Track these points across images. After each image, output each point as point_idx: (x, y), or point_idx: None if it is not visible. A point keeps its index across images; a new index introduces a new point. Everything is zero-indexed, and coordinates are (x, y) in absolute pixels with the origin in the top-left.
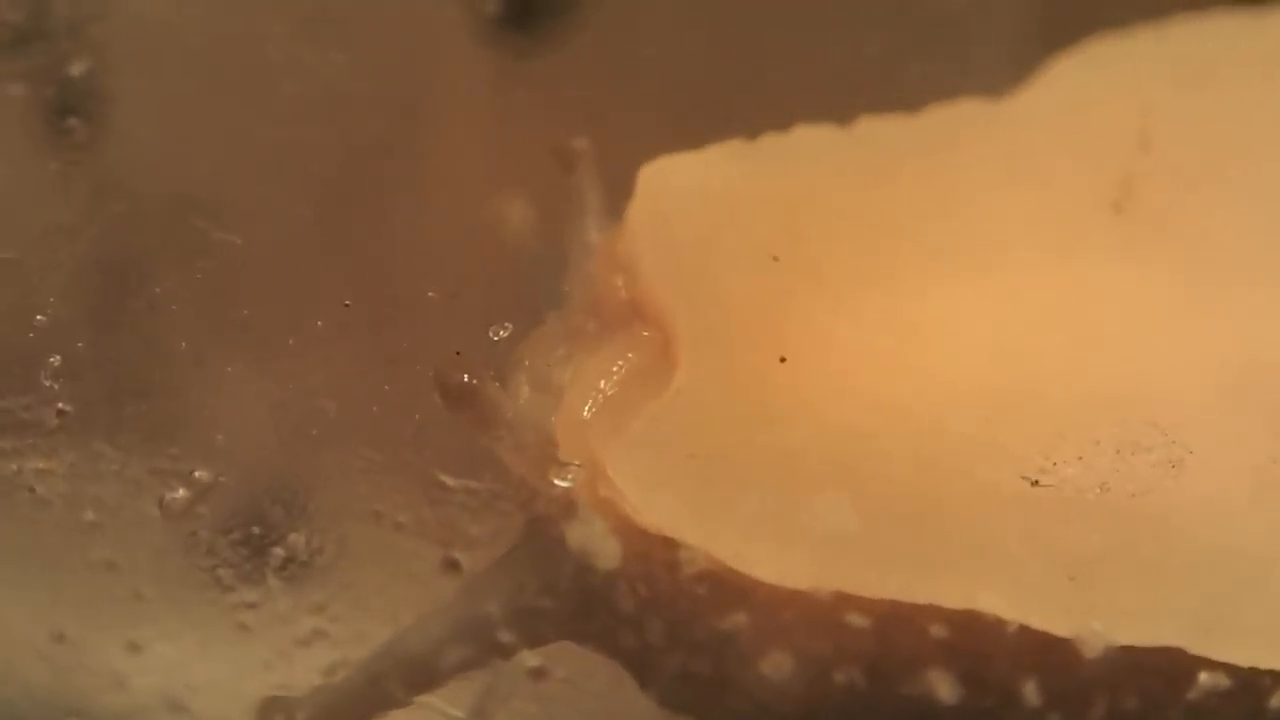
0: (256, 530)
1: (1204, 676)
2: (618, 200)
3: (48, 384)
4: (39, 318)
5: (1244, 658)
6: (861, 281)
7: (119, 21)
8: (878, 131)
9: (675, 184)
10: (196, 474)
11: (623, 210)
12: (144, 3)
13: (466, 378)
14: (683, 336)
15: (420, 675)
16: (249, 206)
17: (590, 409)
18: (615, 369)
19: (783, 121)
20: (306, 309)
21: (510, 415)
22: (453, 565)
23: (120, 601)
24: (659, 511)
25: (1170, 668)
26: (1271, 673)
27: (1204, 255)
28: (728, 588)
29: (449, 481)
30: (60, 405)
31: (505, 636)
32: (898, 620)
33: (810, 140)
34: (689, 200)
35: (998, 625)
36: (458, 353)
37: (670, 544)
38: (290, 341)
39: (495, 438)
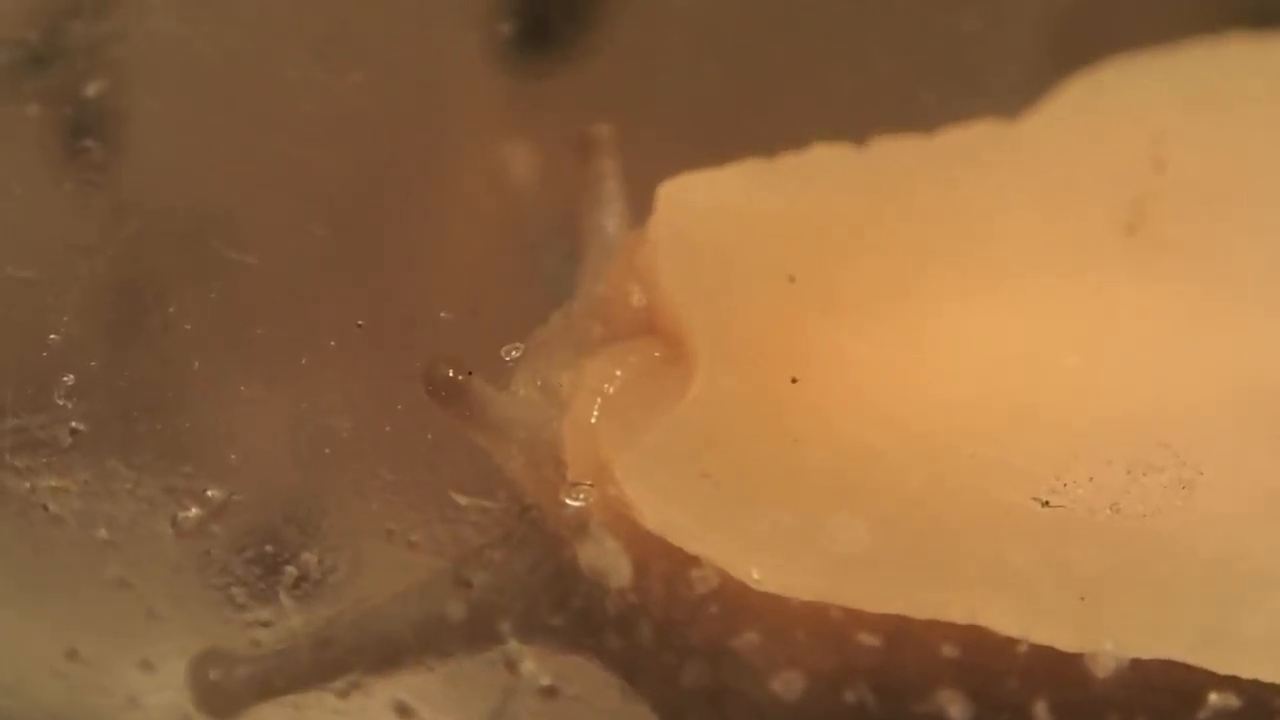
0: (270, 548)
1: (1214, 696)
2: (636, 212)
3: (62, 402)
4: (53, 336)
5: (1249, 671)
6: (876, 302)
7: (135, 42)
8: (892, 153)
9: (694, 202)
10: (210, 492)
11: (642, 221)
12: (160, 23)
13: (453, 373)
14: (698, 353)
15: (401, 668)
16: (264, 226)
17: (596, 414)
18: (617, 372)
19: (798, 143)
20: (320, 329)
21: (498, 413)
22: (465, 583)
23: (134, 619)
24: (671, 529)
25: (1181, 686)
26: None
27: (1216, 277)
28: (740, 606)
29: (461, 500)
30: (74, 424)
31: (514, 650)
32: (909, 639)
33: (826, 161)
34: (708, 218)
35: (1009, 644)
36: (470, 372)
37: (682, 563)
38: (304, 361)
39: (506, 455)
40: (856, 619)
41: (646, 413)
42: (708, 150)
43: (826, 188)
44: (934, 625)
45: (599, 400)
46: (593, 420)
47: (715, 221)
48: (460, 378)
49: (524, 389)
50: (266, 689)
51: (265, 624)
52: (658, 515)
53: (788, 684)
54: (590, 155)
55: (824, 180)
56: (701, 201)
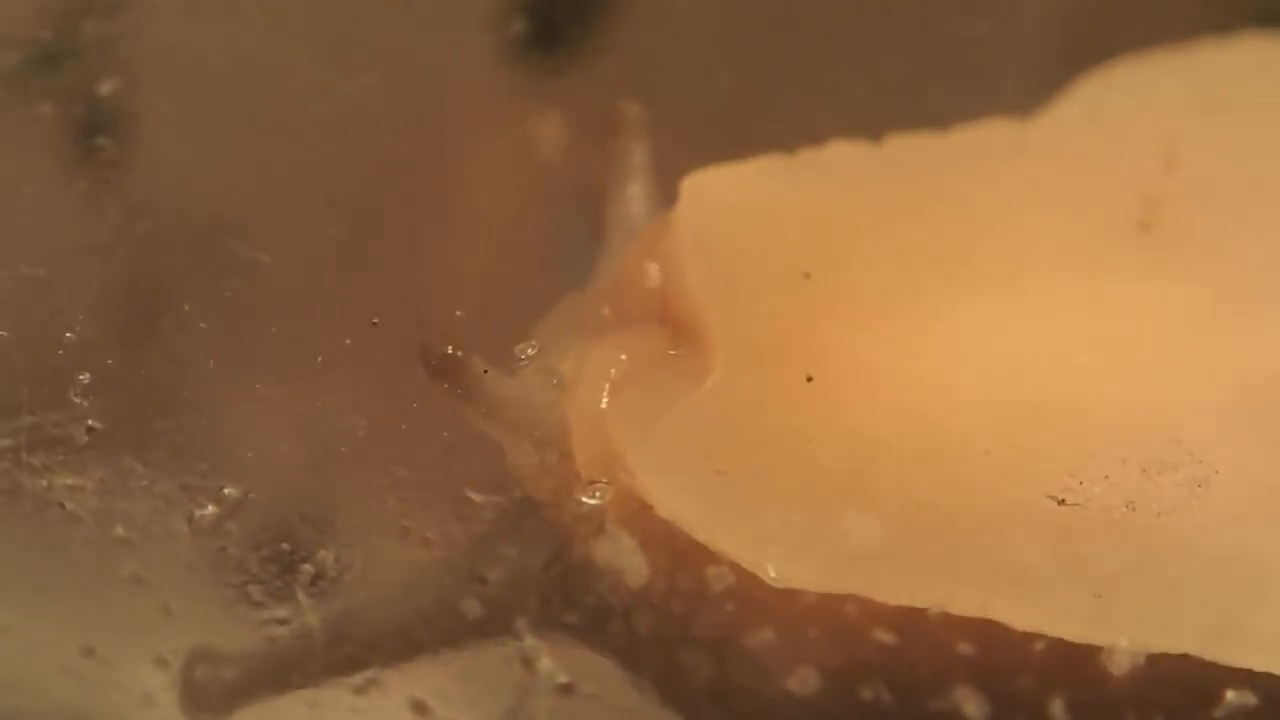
0: (285, 546)
1: (1231, 694)
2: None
3: (77, 401)
4: (69, 335)
5: (1263, 664)
6: (890, 299)
7: (148, 41)
8: (907, 151)
9: (717, 196)
10: (226, 490)
11: (660, 214)
12: (173, 23)
13: (450, 349)
14: (716, 347)
15: (414, 663)
16: (277, 226)
17: (604, 399)
18: (623, 356)
19: (810, 142)
20: (335, 327)
21: (495, 391)
22: (480, 580)
23: (150, 617)
24: (686, 525)
25: (1198, 684)
26: None
27: (1229, 275)
28: (755, 604)
29: (476, 498)
30: (90, 422)
31: (530, 647)
32: (925, 636)
33: (843, 158)
34: (729, 213)
35: (1024, 641)
36: (485, 370)
37: (698, 560)
38: (319, 359)
39: (517, 450)
40: (872, 616)
41: (658, 403)
42: (717, 149)
43: (843, 185)
44: (949, 622)
45: (607, 386)
46: (602, 405)
47: (736, 216)
48: (457, 354)
49: (527, 372)
50: (283, 684)
51: (281, 621)
52: (671, 509)
53: (803, 681)
54: (618, 134)
55: (841, 177)
56: (723, 196)
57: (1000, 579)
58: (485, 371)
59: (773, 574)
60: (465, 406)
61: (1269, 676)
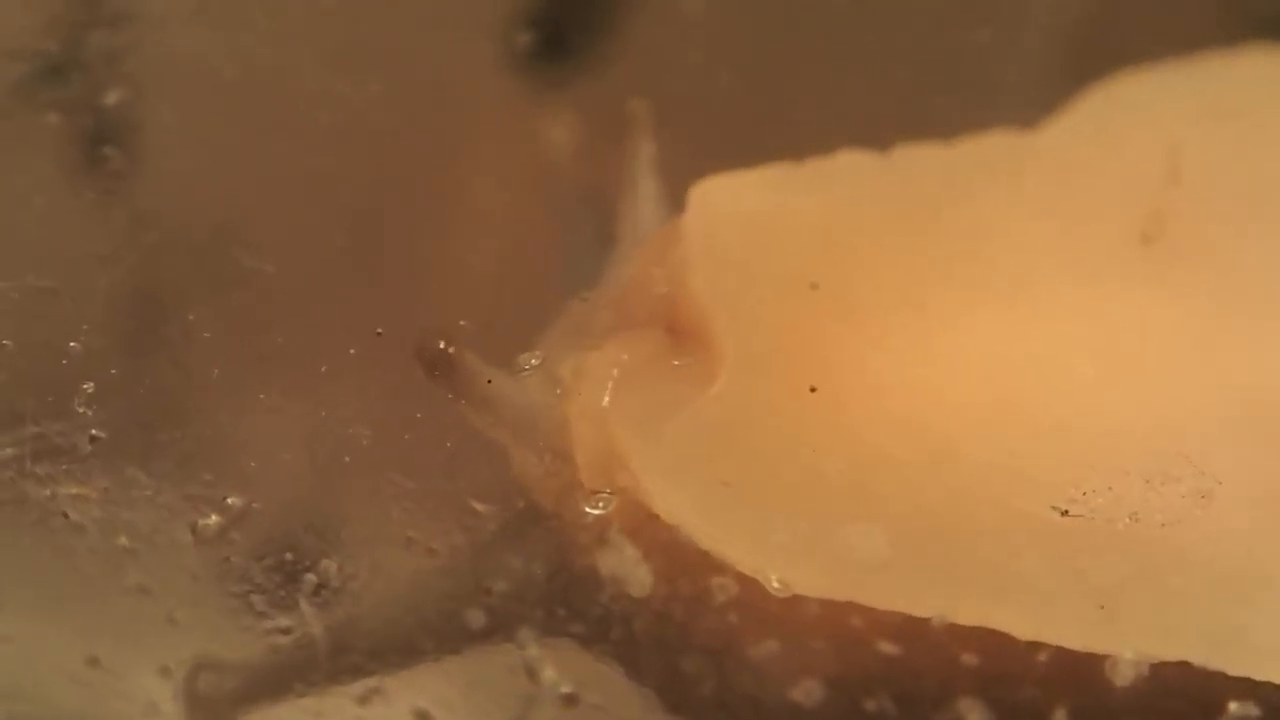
0: (289, 556)
1: (1234, 705)
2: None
3: (81, 410)
4: (73, 345)
5: (1264, 674)
6: (895, 310)
7: (154, 52)
8: (913, 161)
9: (725, 204)
10: (229, 500)
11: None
12: (179, 33)
13: (444, 345)
14: (723, 356)
15: (416, 670)
16: (282, 235)
17: (606, 400)
18: (625, 356)
19: (816, 151)
20: (339, 337)
21: (497, 394)
22: (484, 591)
23: (154, 626)
24: (690, 531)
25: (1201, 694)
26: None
27: (1232, 286)
28: (759, 614)
29: (480, 508)
30: (94, 431)
31: (534, 657)
32: (928, 647)
33: (850, 168)
34: (737, 221)
35: (1028, 652)
36: (489, 380)
37: (702, 571)
38: (323, 369)
39: (523, 459)
40: (875, 626)
41: (662, 407)
42: (724, 157)
43: (849, 195)
44: (953, 632)
45: (609, 385)
46: (604, 404)
47: (743, 225)
48: (451, 350)
49: (528, 369)
50: (286, 693)
51: (285, 631)
52: (674, 514)
53: (807, 692)
54: (626, 134)
55: (847, 187)
56: (731, 204)
57: (1004, 589)
58: (489, 381)
59: (776, 583)
60: (467, 409)
61: (1272, 686)
